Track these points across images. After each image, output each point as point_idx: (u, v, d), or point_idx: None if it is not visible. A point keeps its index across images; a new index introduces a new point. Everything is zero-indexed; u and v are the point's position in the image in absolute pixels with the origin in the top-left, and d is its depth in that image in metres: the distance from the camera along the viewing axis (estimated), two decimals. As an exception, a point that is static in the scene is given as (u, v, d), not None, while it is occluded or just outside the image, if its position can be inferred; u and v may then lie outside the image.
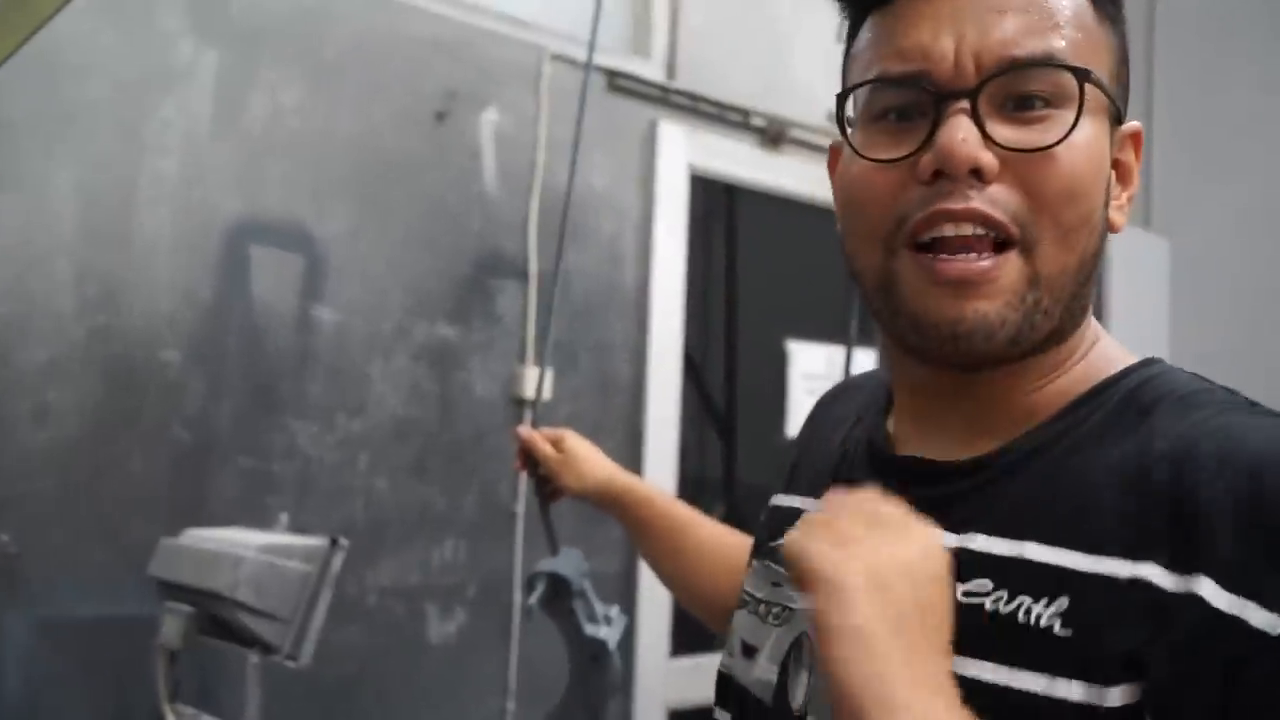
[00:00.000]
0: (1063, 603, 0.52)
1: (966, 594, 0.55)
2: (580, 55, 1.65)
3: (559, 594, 1.11)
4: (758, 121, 2.26)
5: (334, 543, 1.32)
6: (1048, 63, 0.57)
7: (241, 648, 1.29)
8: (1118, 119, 0.62)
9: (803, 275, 2.33)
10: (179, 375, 1.54)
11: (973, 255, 0.56)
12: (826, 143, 2.64)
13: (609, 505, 1.23)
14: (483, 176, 1.86)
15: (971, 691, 0.50)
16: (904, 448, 0.66)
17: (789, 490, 0.82)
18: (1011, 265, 0.57)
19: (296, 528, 1.45)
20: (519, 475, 1.86)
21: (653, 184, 2.05)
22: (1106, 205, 0.60)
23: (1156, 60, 3.16)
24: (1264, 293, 3.00)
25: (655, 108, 2.10)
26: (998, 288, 0.57)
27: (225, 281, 1.59)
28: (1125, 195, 0.62)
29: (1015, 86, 0.57)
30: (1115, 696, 0.49)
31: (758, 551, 0.81)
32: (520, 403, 1.86)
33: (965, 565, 0.55)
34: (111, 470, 1.48)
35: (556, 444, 1.27)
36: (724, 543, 1.11)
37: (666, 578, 1.17)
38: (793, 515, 0.70)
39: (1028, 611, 0.53)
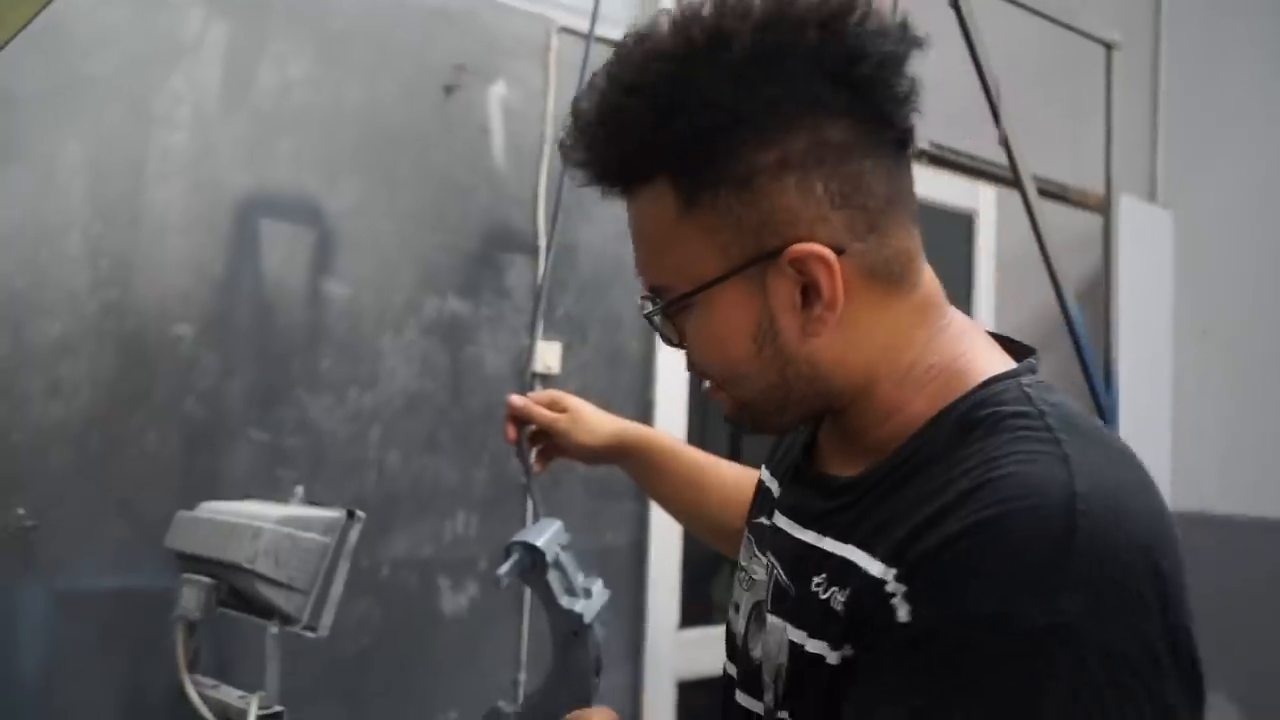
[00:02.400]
0: (849, 591, 0.67)
1: (815, 583, 0.71)
2: (587, 28, 1.65)
3: (535, 565, 1.09)
4: (764, 94, 2.25)
5: (351, 515, 1.32)
6: (655, 291, 0.73)
7: (260, 619, 1.30)
8: (761, 259, 0.68)
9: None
10: (191, 350, 1.54)
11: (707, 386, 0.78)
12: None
13: (623, 455, 1.23)
14: (492, 150, 1.85)
15: (794, 650, 0.71)
16: (819, 457, 0.81)
17: (770, 463, 0.93)
18: (723, 395, 0.77)
19: (309, 501, 1.45)
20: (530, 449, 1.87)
21: (661, 157, 2.04)
22: (773, 340, 0.71)
23: (1163, 34, 3.15)
24: (1268, 265, 3.00)
25: (662, 81, 2.09)
26: (721, 404, 0.78)
27: (236, 256, 1.59)
28: (819, 309, 0.69)
29: (652, 298, 0.75)
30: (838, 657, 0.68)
31: (746, 519, 0.92)
32: (530, 376, 1.87)
33: (819, 562, 0.72)
34: (125, 445, 1.48)
35: (552, 406, 1.26)
36: (748, 476, 1.13)
37: (689, 516, 1.21)
38: (767, 495, 0.87)
39: (834, 598, 0.69)
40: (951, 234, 2.71)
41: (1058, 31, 2.47)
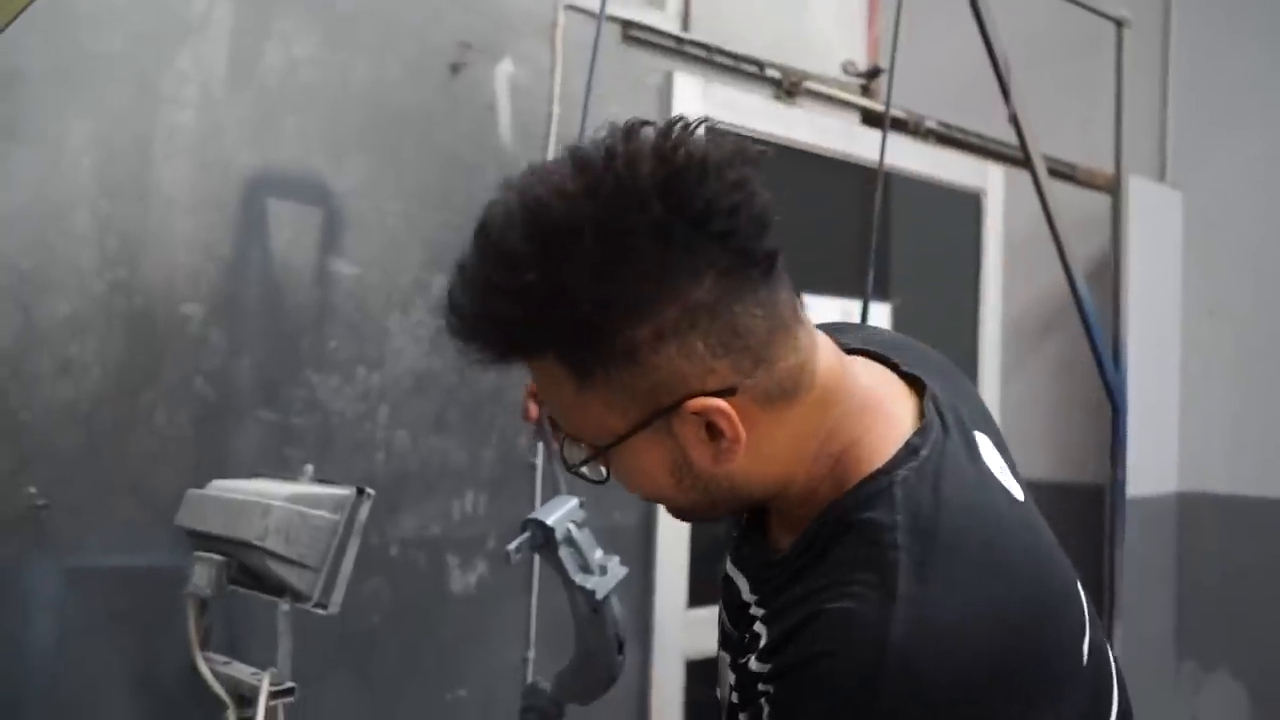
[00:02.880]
0: (747, 661, 0.77)
1: (752, 633, 0.78)
2: (595, 6, 1.64)
3: (548, 542, 1.10)
4: (772, 73, 2.24)
5: (361, 492, 1.33)
6: (569, 438, 0.78)
7: (271, 596, 1.30)
8: (661, 413, 0.73)
9: (818, 229, 2.32)
10: (200, 329, 1.54)
11: None
12: (841, 95, 2.63)
13: None
14: (498, 129, 1.85)
15: (750, 674, 0.76)
16: (769, 521, 0.87)
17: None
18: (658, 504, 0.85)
19: (319, 479, 1.45)
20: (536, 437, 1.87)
21: (668, 136, 2.03)
22: (690, 471, 0.77)
23: (1173, 12, 3.13)
24: (1277, 247, 2.99)
25: (670, 59, 2.08)
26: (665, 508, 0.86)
27: (244, 235, 1.59)
28: (725, 443, 0.74)
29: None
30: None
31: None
32: (538, 356, 1.87)
33: (748, 619, 0.80)
34: (135, 424, 1.48)
35: None
36: None
37: None
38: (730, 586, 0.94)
39: (749, 659, 0.77)
40: (960, 213, 2.69)
41: (1067, 9, 2.45)
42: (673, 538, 2.05)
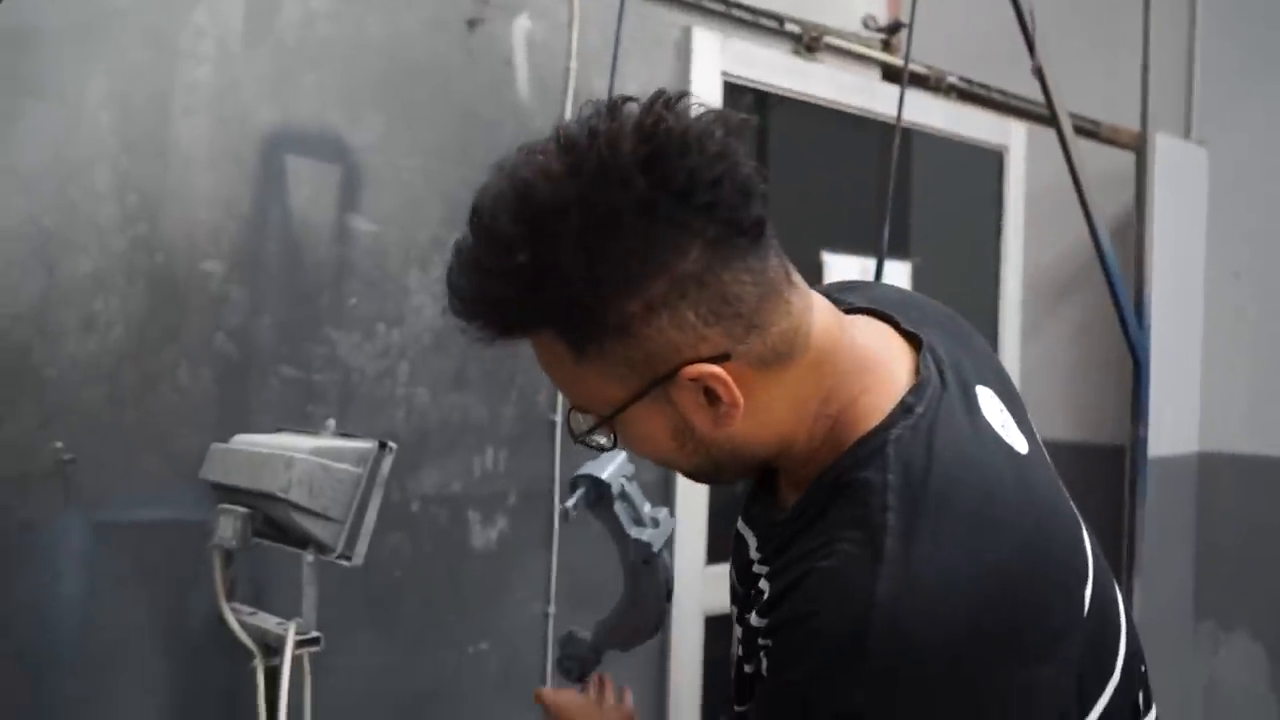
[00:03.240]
0: (767, 618, 0.78)
1: (757, 590, 0.81)
2: (614, -43, 1.62)
3: (601, 498, 1.12)
4: (792, 28, 2.21)
5: (383, 446, 1.34)
6: (574, 407, 0.81)
7: (296, 549, 1.32)
8: (658, 382, 0.76)
9: (837, 185, 2.30)
10: (220, 287, 1.55)
11: None
12: (861, 50, 2.60)
13: None
14: (516, 84, 1.83)
15: (751, 628, 0.80)
16: (778, 480, 0.89)
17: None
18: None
19: (341, 434, 1.46)
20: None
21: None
22: (692, 436, 0.79)
23: (1200, -37, 3.07)
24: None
25: (689, 14, 2.06)
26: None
27: (263, 192, 1.59)
28: (724, 407, 0.76)
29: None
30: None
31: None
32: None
33: (754, 575, 0.83)
34: (159, 380, 1.49)
35: None
36: None
37: None
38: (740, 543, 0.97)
39: (752, 614, 0.81)
40: (982, 170, 2.67)
41: (1092, -40, 2.41)
42: (692, 495, 2.06)
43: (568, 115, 1.86)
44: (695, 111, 0.72)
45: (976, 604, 0.69)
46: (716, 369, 0.74)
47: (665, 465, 0.85)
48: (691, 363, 0.74)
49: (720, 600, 2.09)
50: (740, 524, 0.93)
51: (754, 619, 0.79)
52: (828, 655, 0.69)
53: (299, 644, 1.28)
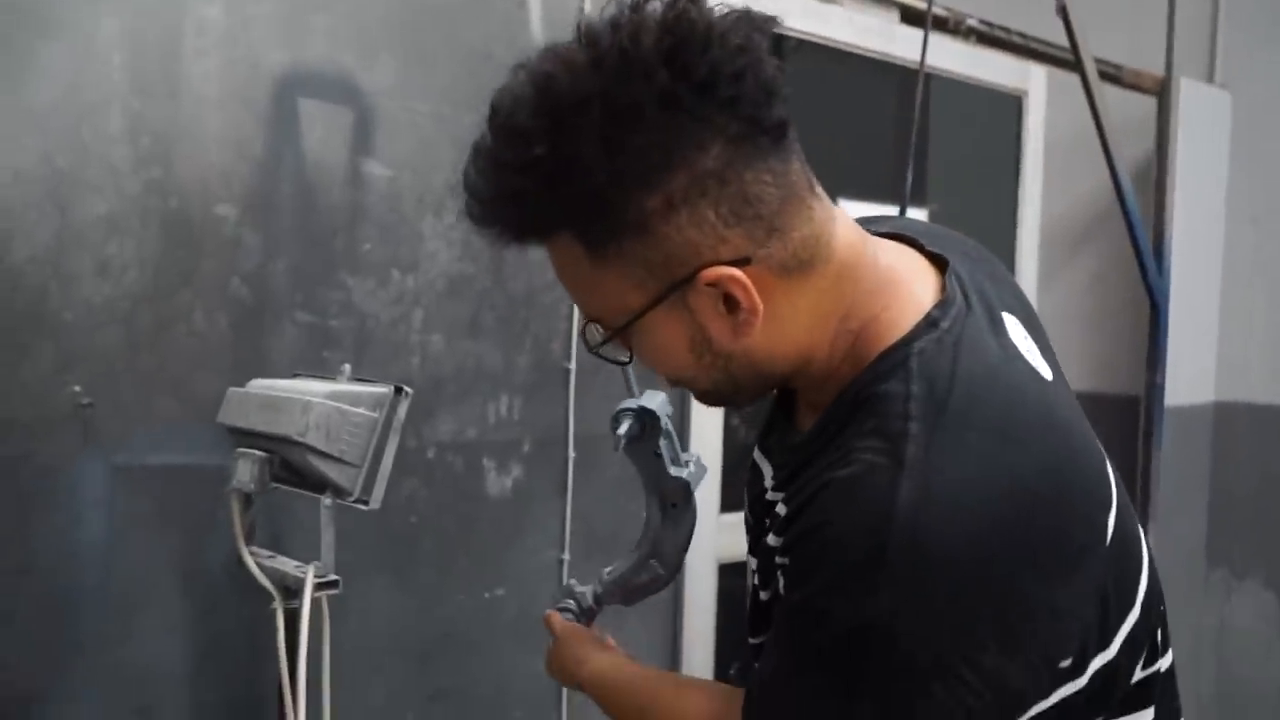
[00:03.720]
0: (784, 536, 0.78)
1: (773, 515, 0.81)
2: (630, -108, 1.58)
3: (645, 433, 1.09)
4: (809, -31, 2.17)
5: (399, 390, 1.33)
6: (588, 319, 0.79)
7: (313, 493, 1.32)
8: (676, 286, 0.74)
9: (855, 131, 2.27)
10: (234, 231, 1.54)
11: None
12: (880, -9, 2.50)
13: None
14: (529, 26, 1.80)
15: (767, 550, 0.81)
16: (795, 405, 0.88)
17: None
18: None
19: (357, 379, 1.46)
20: (572, 331, 1.87)
21: (702, 34, 1.98)
22: (709, 347, 0.77)
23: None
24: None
25: (704, -46, 2.02)
26: (692, 392, 0.86)
27: (275, 135, 1.57)
28: (743, 315, 0.74)
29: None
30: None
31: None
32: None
33: (771, 502, 0.82)
34: (174, 324, 1.49)
35: None
36: None
37: None
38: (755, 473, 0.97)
39: (773, 535, 0.81)
40: (1000, 115, 2.62)
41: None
42: (706, 443, 2.06)
43: (582, 58, 1.83)
44: (719, 9, 0.72)
45: (997, 519, 0.68)
46: (736, 272, 0.72)
47: (681, 383, 0.83)
48: (711, 265, 0.72)
49: (733, 548, 2.11)
50: (756, 454, 0.92)
51: (770, 538, 0.79)
52: (845, 565, 0.68)
53: (318, 586, 1.29)
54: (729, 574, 2.16)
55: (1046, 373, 0.80)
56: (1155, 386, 2.46)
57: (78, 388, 1.41)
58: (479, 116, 1.78)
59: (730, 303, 0.74)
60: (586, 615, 1.17)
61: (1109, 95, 2.34)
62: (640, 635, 2.00)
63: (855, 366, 0.77)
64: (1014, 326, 0.81)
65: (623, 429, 1.07)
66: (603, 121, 0.69)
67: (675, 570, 1.10)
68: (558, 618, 1.14)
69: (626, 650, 1.17)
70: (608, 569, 1.13)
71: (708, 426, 2.06)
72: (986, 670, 0.67)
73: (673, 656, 2.08)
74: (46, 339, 1.39)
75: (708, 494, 2.08)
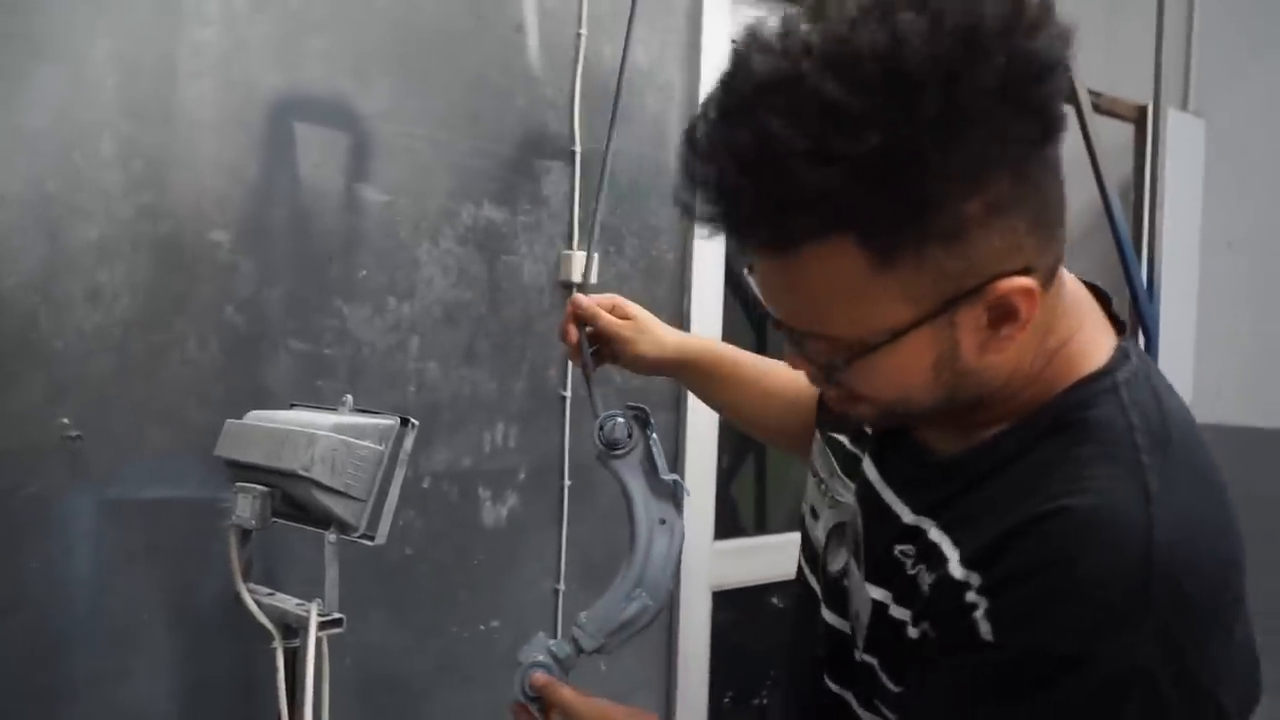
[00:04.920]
0: (934, 577, 0.69)
1: (900, 552, 0.73)
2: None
3: (633, 441, 1.01)
4: (800, -5, 2.18)
5: (405, 422, 1.30)
6: (811, 337, 0.68)
7: (316, 528, 1.29)
8: (959, 299, 0.64)
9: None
10: (229, 257, 1.50)
11: (833, 395, 0.74)
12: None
13: (685, 367, 1.18)
14: (526, 52, 1.79)
15: (876, 607, 0.74)
16: (920, 436, 0.79)
17: None
18: (863, 407, 0.72)
19: (359, 410, 1.42)
20: (568, 359, 1.84)
21: (697, 60, 1.98)
22: (952, 366, 0.67)
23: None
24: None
25: (698, -21, 2.02)
26: (856, 414, 0.74)
27: (270, 159, 1.54)
28: (1006, 330, 0.65)
29: (805, 341, 0.69)
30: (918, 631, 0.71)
31: (819, 420, 0.93)
32: (567, 287, 1.83)
33: (906, 532, 0.73)
34: (167, 352, 1.45)
35: (614, 312, 1.17)
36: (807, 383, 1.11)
37: (755, 421, 1.21)
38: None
39: (921, 576, 0.71)
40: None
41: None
42: (700, 470, 2.04)
43: (578, 84, 1.82)
44: None
45: (1227, 562, 0.65)
46: (1030, 282, 0.63)
47: (891, 404, 0.70)
48: (1004, 276, 0.63)
49: (728, 575, 2.10)
50: (878, 482, 0.79)
51: (956, 570, 0.66)
52: (1107, 606, 0.60)
53: (321, 625, 1.25)
54: (723, 602, 2.14)
55: None
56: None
57: (66, 419, 1.36)
58: (475, 141, 1.77)
59: (999, 316, 0.64)
60: (564, 670, 0.99)
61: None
62: (635, 664, 1.97)
63: (1045, 388, 0.69)
64: None
65: (618, 433, 1.01)
66: (942, 106, 0.57)
67: (664, 600, 0.99)
68: (558, 685, 0.94)
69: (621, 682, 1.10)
70: (584, 613, 1.00)
71: (702, 453, 2.04)
72: (1226, 713, 0.63)
73: (667, 686, 2.06)
74: (35, 368, 1.35)
75: (701, 521, 2.07)
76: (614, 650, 1.00)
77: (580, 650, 0.99)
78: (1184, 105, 3.00)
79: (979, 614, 0.64)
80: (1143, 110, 2.70)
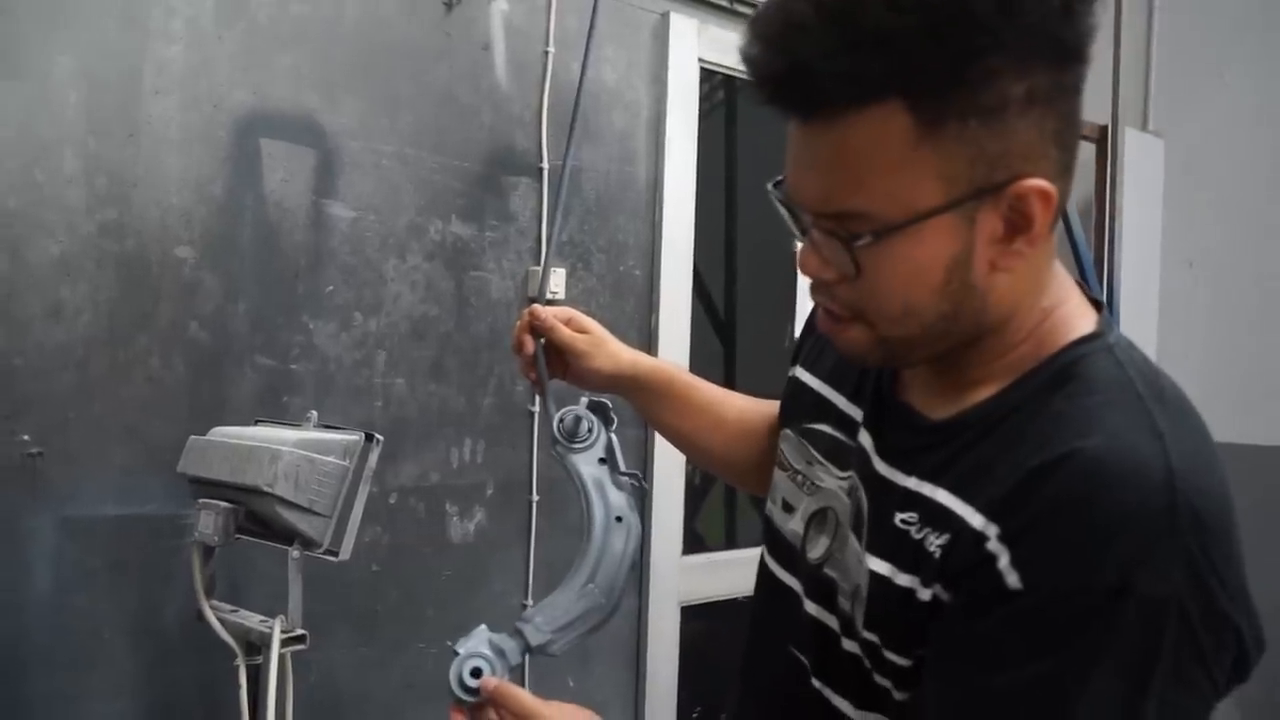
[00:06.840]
0: (946, 537, 0.69)
1: (901, 520, 0.72)
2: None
3: (593, 435, 0.99)
4: (766, 15, 2.20)
5: (370, 438, 1.30)
6: (839, 219, 0.67)
7: (280, 544, 1.28)
8: (986, 191, 0.65)
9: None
10: (193, 273, 1.50)
11: (829, 319, 0.74)
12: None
13: (637, 386, 1.13)
14: (494, 69, 1.80)
15: (876, 579, 0.73)
16: (902, 388, 0.80)
17: (811, 367, 0.92)
18: (857, 331, 0.72)
19: (324, 425, 1.42)
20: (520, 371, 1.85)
21: (664, 79, 2.00)
22: (963, 274, 0.67)
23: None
24: (1256, 197, 3.02)
25: (665, -1, 2.04)
26: (848, 340, 0.73)
27: (237, 176, 1.54)
28: (1018, 242, 0.67)
29: (830, 226, 0.68)
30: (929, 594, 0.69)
31: (788, 420, 0.93)
32: (534, 303, 1.84)
33: (907, 499, 0.73)
34: (130, 369, 1.45)
35: (569, 325, 1.14)
36: (759, 412, 1.10)
37: (702, 449, 1.16)
38: (821, 403, 0.87)
39: (928, 540, 0.70)
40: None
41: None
42: (668, 486, 2.05)
43: (546, 101, 1.83)
44: None
45: (1228, 495, 0.66)
46: (1051, 186, 0.65)
47: (898, 312, 0.70)
48: (1029, 176, 0.64)
49: (696, 589, 2.10)
50: (879, 464, 0.78)
51: (975, 521, 0.66)
52: (1141, 536, 0.61)
53: (284, 642, 1.24)
54: (691, 616, 2.14)
55: None
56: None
57: (26, 437, 1.36)
58: (442, 158, 1.77)
59: (1016, 223, 0.66)
60: (507, 667, 0.94)
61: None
62: (604, 678, 1.97)
63: (1037, 347, 0.71)
64: None
65: (579, 425, 1.00)
66: None
67: (616, 599, 0.95)
68: (506, 686, 0.88)
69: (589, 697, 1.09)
70: (531, 606, 0.95)
71: (670, 469, 2.05)
72: (1245, 644, 0.65)
73: (635, 700, 2.06)
74: (-5, 385, 1.34)
75: (670, 535, 2.07)
76: (560, 651, 0.94)
77: (527, 646, 0.93)
78: (1144, 125, 3.06)
79: (1003, 564, 0.64)
80: (1103, 130, 2.74)
